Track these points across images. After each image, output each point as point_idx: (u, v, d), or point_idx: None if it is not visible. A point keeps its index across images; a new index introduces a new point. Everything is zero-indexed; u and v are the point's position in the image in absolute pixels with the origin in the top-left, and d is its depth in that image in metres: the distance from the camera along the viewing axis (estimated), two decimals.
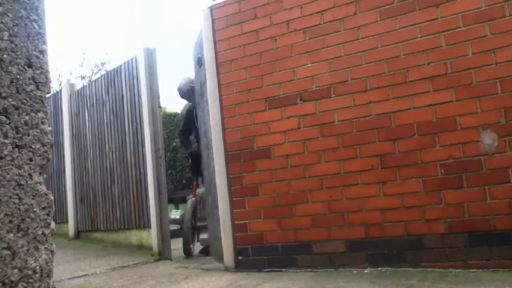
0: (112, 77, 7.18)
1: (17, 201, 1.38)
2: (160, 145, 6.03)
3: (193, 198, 6.46)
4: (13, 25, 1.44)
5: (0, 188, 1.33)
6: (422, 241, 3.67)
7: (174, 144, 15.22)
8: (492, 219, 3.44)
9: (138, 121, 6.41)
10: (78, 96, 8.18)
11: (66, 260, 5.71)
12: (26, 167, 1.41)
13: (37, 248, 1.44)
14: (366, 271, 3.81)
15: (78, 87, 8.73)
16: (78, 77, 18.28)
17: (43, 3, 1.59)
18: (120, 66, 7.00)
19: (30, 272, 1.40)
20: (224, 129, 4.59)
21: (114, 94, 7.06)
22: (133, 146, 6.56)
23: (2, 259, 1.32)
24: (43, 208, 1.46)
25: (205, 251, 5.99)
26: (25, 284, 1.38)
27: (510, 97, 3.44)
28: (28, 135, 1.43)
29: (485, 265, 3.43)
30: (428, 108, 3.71)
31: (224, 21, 4.64)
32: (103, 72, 15.11)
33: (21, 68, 1.44)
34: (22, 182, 1.39)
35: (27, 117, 1.43)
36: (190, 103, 6.91)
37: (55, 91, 9.27)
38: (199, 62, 5.40)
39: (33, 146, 1.44)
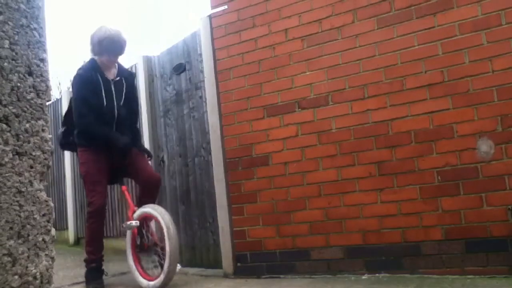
0: None
1: (17, 208, 1.39)
2: (162, 152, 6.03)
3: (133, 224, 4.29)
4: (14, 34, 1.46)
5: (0, 195, 1.34)
6: (419, 247, 3.69)
7: None
8: (489, 226, 3.46)
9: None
10: None
11: (66, 266, 5.71)
12: (26, 174, 1.43)
13: (37, 255, 1.44)
14: (364, 277, 3.82)
15: None
16: None
17: (44, 12, 1.60)
18: None
19: (30, 279, 1.41)
20: (223, 136, 4.62)
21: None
22: None
23: (2, 265, 1.33)
24: (44, 215, 1.47)
25: None
26: None
27: (507, 105, 3.46)
28: (29, 142, 1.45)
29: (482, 271, 3.45)
30: (425, 116, 3.74)
31: (223, 29, 4.67)
32: None
33: (21, 76, 1.46)
34: (23, 189, 1.41)
35: (27, 125, 1.45)
36: None
37: (55, 99, 9.29)
38: (177, 69, 5.44)
39: (33, 154, 1.46)
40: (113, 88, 4.42)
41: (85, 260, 4.38)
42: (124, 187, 4.55)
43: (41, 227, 1.46)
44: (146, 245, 4.31)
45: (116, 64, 4.57)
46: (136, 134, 4.78)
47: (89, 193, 4.31)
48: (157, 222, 4.14)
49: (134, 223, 4.25)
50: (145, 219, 4.31)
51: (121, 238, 6.87)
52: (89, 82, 4.29)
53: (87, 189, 4.35)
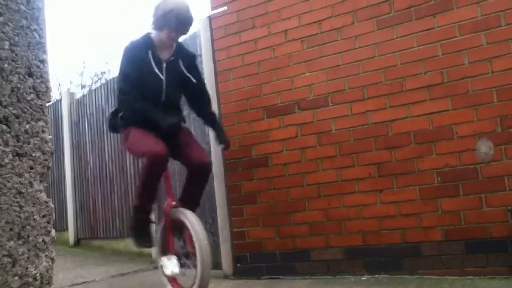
0: (112, 86, 7.23)
1: (17, 209, 1.39)
2: None
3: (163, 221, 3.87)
4: (14, 35, 1.47)
5: (0, 196, 1.35)
6: (419, 248, 3.69)
7: None
8: (489, 227, 3.46)
9: None
10: (78, 105, 8.21)
11: (66, 267, 5.71)
12: (26, 175, 1.43)
13: (37, 256, 1.45)
14: (363, 278, 3.82)
15: (78, 96, 8.77)
16: (78, 86, 18.27)
17: (44, 13, 1.61)
18: None
19: (30, 280, 1.42)
20: None
21: (114, 103, 7.09)
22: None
23: (3, 266, 1.33)
24: (44, 216, 1.48)
25: None
26: None
27: (506, 105, 3.47)
28: (29, 143, 1.45)
29: (482, 272, 3.45)
30: (424, 117, 3.74)
31: (222, 30, 4.68)
32: (103, 81, 15.12)
33: (21, 77, 1.47)
34: (23, 190, 1.41)
35: (27, 126, 1.46)
36: None
37: (55, 100, 9.30)
38: None
39: (33, 155, 1.46)
40: (164, 69, 3.91)
41: (135, 208, 3.88)
42: (167, 173, 3.83)
43: (41, 228, 1.47)
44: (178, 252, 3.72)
45: (174, 44, 4.05)
46: (210, 118, 4.27)
47: (141, 150, 3.70)
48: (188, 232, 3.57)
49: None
50: (178, 223, 3.69)
51: (121, 239, 6.90)
52: (136, 59, 3.86)
53: (138, 150, 3.80)
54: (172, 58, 3.98)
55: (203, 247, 3.40)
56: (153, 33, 3.98)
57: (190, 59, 4.13)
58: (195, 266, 3.45)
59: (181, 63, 4.01)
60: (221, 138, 4.15)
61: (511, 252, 3.37)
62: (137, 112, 3.81)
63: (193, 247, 3.47)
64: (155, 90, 3.87)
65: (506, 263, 3.38)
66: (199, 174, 3.84)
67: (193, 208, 3.73)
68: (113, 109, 4.21)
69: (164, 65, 3.92)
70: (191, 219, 3.54)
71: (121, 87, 3.88)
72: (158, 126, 3.70)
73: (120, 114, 3.98)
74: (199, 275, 3.39)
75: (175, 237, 3.79)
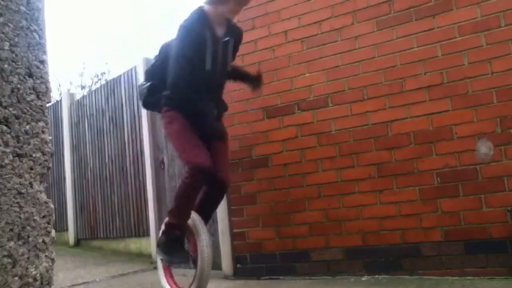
0: (112, 87, 7.23)
1: (17, 209, 1.39)
2: (162, 154, 6.03)
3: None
4: (14, 36, 1.47)
5: (1, 196, 1.35)
6: (419, 249, 3.69)
7: None
8: (488, 227, 3.46)
9: (137, 130, 6.44)
10: (78, 106, 8.22)
11: (66, 267, 5.72)
12: (26, 175, 1.43)
13: (37, 256, 1.45)
14: (363, 278, 3.83)
15: (78, 96, 8.78)
16: (78, 86, 18.30)
17: (43, 14, 1.61)
18: (120, 76, 7.06)
19: (30, 280, 1.42)
20: None
21: (114, 103, 7.11)
22: (132, 155, 6.59)
23: (3, 267, 1.33)
24: (44, 217, 1.48)
25: None
26: None
27: (506, 106, 3.47)
28: (29, 144, 1.45)
29: (481, 272, 3.45)
30: (424, 117, 3.74)
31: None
32: (103, 81, 15.13)
33: (21, 78, 1.46)
34: (23, 191, 1.41)
35: (27, 127, 1.46)
36: None
37: (55, 101, 9.31)
38: None
39: (33, 155, 1.46)
40: (220, 49, 3.59)
41: (167, 225, 3.55)
42: None
43: (41, 228, 1.47)
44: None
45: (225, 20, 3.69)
46: (234, 76, 4.01)
47: (184, 152, 3.47)
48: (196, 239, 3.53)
49: None
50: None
51: (120, 239, 6.90)
52: (195, 38, 3.49)
53: (180, 148, 3.52)
54: (227, 38, 3.66)
55: (205, 260, 3.37)
56: (208, 7, 3.59)
57: (239, 37, 3.87)
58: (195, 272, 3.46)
59: (232, 42, 3.72)
60: (251, 81, 4.00)
61: (511, 252, 3.38)
62: (188, 102, 3.55)
63: (196, 253, 3.46)
64: (210, 74, 3.56)
65: (506, 263, 3.38)
66: (221, 191, 3.67)
67: (205, 220, 3.62)
68: (146, 84, 3.87)
69: (220, 45, 3.61)
70: (199, 226, 3.48)
71: (177, 69, 3.56)
72: (202, 123, 3.54)
73: (167, 93, 3.63)
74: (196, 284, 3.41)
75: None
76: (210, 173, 3.36)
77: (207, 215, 3.70)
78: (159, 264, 3.81)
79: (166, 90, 3.64)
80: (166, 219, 3.58)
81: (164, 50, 3.81)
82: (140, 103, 4.17)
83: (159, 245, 3.62)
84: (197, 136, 3.48)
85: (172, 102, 3.59)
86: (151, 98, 3.81)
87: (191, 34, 3.49)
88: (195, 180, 3.34)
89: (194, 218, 3.51)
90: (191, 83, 3.53)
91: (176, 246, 3.50)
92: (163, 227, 3.61)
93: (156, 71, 3.82)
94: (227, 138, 3.82)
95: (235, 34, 3.77)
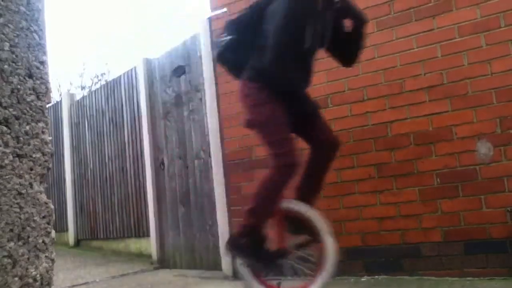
0: (112, 87, 7.23)
1: (17, 210, 1.39)
2: (162, 154, 6.02)
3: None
4: (14, 36, 1.47)
5: (1, 197, 1.35)
6: (419, 249, 3.69)
7: None
8: (488, 228, 3.46)
9: (137, 130, 6.44)
10: (78, 106, 8.22)
11: (66, 268, 5.72)
12: (26, 176, 1.43)
13: (37, 257, 1.45)
14: (363, 279, 3.83)
15: (78, 97, 8.78)
16: (78, 87, 18.31)
17: (44, 14, 1.61)
18: (120, 76, 7.05)
19: (30, 281, 1.42)
20: (222, 138, 4.62)
21: (114, 104, 7.11)
22: (132, 156, 6.59)
23: (3, 267, 1.33)
24: (44, 217, 1.48)
25: None
26: None
27: (506, 107, 3.47)
28: (29, 144, 1.45)
29: (481, 273, 3.45)
30: (424, 118, 3.74)
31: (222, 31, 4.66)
32: (103, 82, 15.13)
33: (21, 78, 1.46)
34: (23, 191, 1.41)
35: (27, 127, 1.46)
36: None
37: (55, 101, 9.31)
38: (177, 71, 5.42)
39: (33, 156, 1.46)
40: (319, 23, 3.05)
41: (246, 226, 3.12)
42: None
43: (41, 229, 1.47)
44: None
45: None
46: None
47: (274, 146, 3.06)
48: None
49: None
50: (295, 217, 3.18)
51: (120, 240, 6.90)
52: (300, 9, 2.94)
53: (269, 139, 3.10)
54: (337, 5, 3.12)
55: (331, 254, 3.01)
56: None
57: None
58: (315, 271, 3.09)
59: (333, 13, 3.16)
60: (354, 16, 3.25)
61: (511, 253, 3.38)
62: (283, 82, 3.09)
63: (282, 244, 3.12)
64: (309, 52, 3.16)
65: (506, 264, 3.38)
66: (333, 152, 3.24)
67: (314, 198, 3.31)
68: (228, 37, 3.24)
69: (327, 15, 3.09)
70: (315, 221, 3.14)
71: (278, 40, 2.92)
72: (291, 102, 3.09)
73: (259, 65, 3.04)
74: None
75: (290, 233, 3.25)
76: (298, 170, 3.03)
77: (316, 190, 3.37)
78: (243, 271, 3.27)
79: (258, 56, 3.05)
80: (246, 219, 3.13)
81: (260, 4, 3.18)
82: (215, 56, 3.55)
83: (238, 248, 3.18)
84: (287, 121, 3.05)
85: (261, 78, 3.06)
86: (232, 55, 3.25)
87: (299, 5, 2.94)
88: (285, 177, 3.01)
89: (303, 210, 3.15)
90: (284, 58, 2.98)
91: (260, 248, 3.12)
92: (240, 228, 3.21)
93: (244, 25, 3.22)
94: (319, 106, 3.43)
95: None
